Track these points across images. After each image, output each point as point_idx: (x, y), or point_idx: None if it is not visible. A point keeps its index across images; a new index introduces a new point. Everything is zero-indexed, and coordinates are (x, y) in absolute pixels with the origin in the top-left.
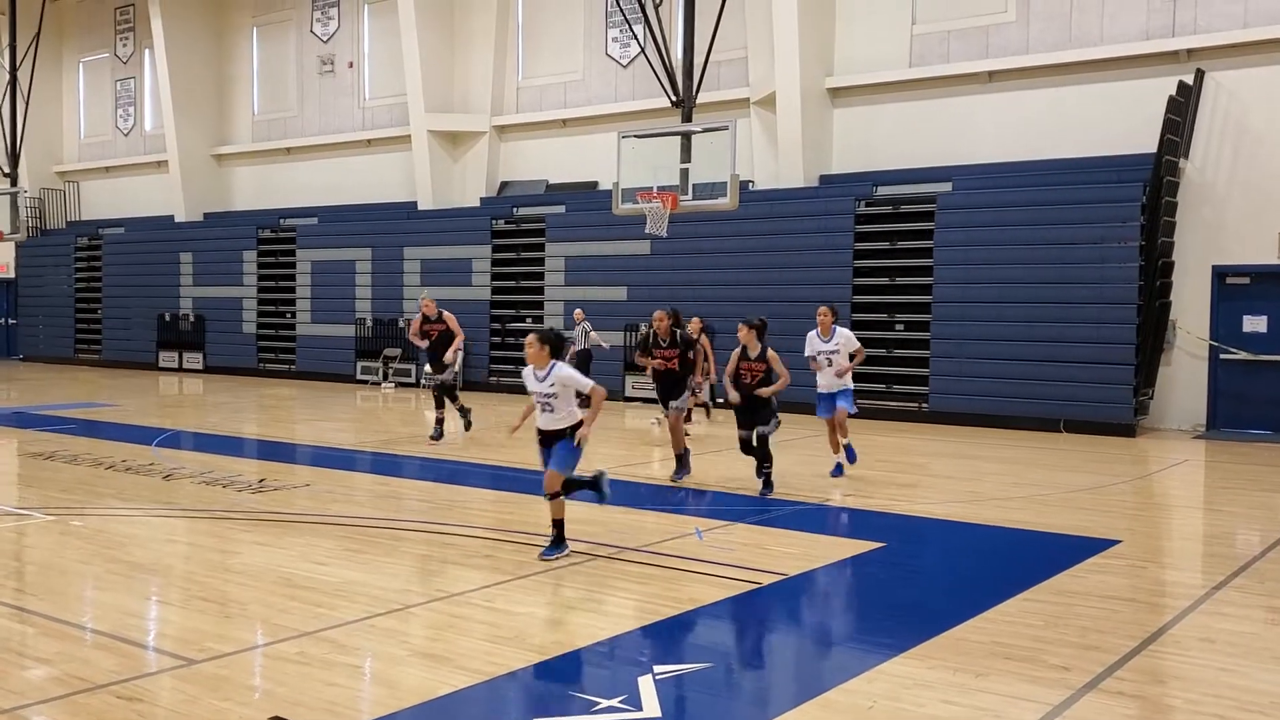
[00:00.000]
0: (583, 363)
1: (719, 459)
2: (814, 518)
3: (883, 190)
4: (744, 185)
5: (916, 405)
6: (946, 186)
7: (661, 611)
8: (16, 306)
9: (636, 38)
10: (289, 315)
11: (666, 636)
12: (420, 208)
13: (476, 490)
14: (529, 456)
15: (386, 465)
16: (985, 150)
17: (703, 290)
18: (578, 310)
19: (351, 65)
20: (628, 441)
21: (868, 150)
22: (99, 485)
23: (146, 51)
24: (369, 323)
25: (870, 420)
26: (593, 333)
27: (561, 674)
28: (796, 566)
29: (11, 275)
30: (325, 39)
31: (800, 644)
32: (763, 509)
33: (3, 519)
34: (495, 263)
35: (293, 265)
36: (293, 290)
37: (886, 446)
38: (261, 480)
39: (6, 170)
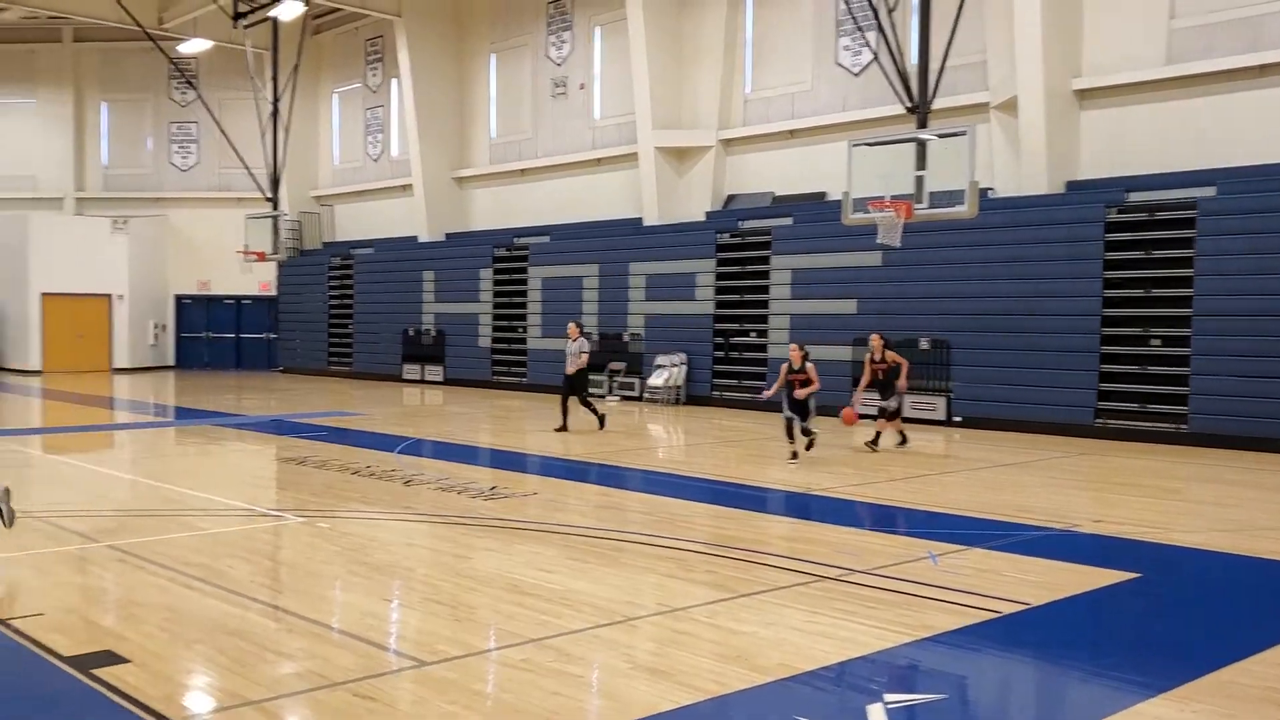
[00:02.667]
0: (581, 375)
1: (953, 481)
2: (1057, 544)
3: (1136, 196)
4: (983, 193)
5: (1174, 426)
6: (1209, 191)
7: (893, 637)
8: (277, 322)
9: (869, 45)
10: (520, 330)
11: (899, 664)
12: (646, 223)
13: (697, 504)
14: (750, 471)
15: (610, 477)
16: (1253, 151)
17: (939, 303)
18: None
19: (583, 87)
20: (853, 460)
21: (1119, 154)
22: (345, 490)
23: (394, 81)
24: (595, 337)
25: (1123, 441)
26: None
27: (787, 697)
28: (1039, 596)
29: (273, 293)
30: (559, 62)
31: (1044, 679)
32: (1003, 534)
33: (260, 520)
34: (719, 276)
35: (525, 282)
36: (524, 306)
37: (1139, 469)
38: (493, 487)
39: (269, 195)
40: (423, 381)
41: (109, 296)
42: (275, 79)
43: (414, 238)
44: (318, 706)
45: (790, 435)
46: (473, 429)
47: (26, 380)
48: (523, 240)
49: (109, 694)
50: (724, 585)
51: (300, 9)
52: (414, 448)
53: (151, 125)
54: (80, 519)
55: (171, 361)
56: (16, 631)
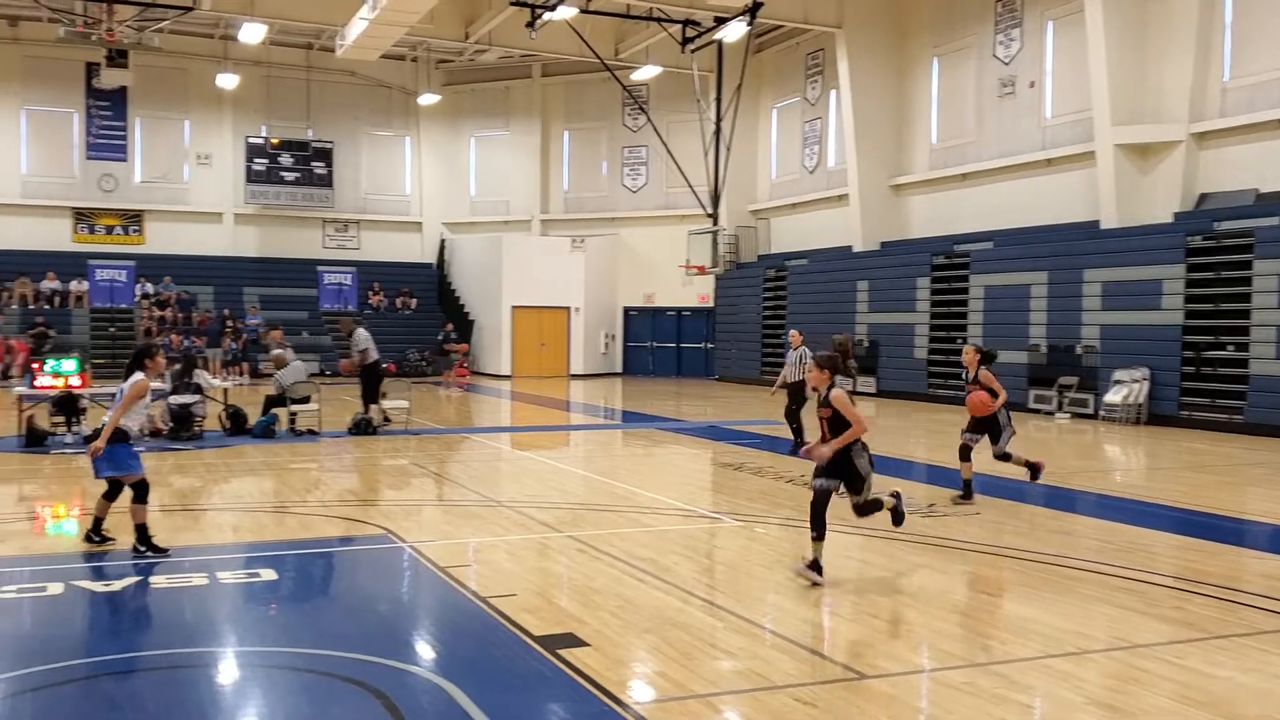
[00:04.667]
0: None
1: None
2: None
3: None
4: None
5: None
6: None
7: None
8: (714, 332)
9: None
10: (960, 341)
11: None
12: (1103, 226)
13: (1160, 533)
14: (1226, 500)
15: (1060, 499)
16: None
17: None
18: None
19: (1033, 85)
20: None
21: None
22: (779, 497)
23: (832, 93)
24: (1043, 349)
25: None
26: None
27: None
28: None
29: (711, 304)
30: (1006, 61)
31: None
32: None
33: (699, 520)
34: (1190, 284)
35: (965, 291)
36: (964, 316)
37: None
38: (931, 505)
39: (710, 211)
40: (854, 393)
41: (568, 309)
42: (719, 99)
43: (848, 247)
44: (759, 707)
45: None
46: (906, 443)
47: (499, 384)
48: (963, 247)
49: (572, 674)
50: (1194, 624)
51: (744, 30)
52: None
53: (606, 150)
54: (545, 510)
55: (619, 369)
56: (494, 609)
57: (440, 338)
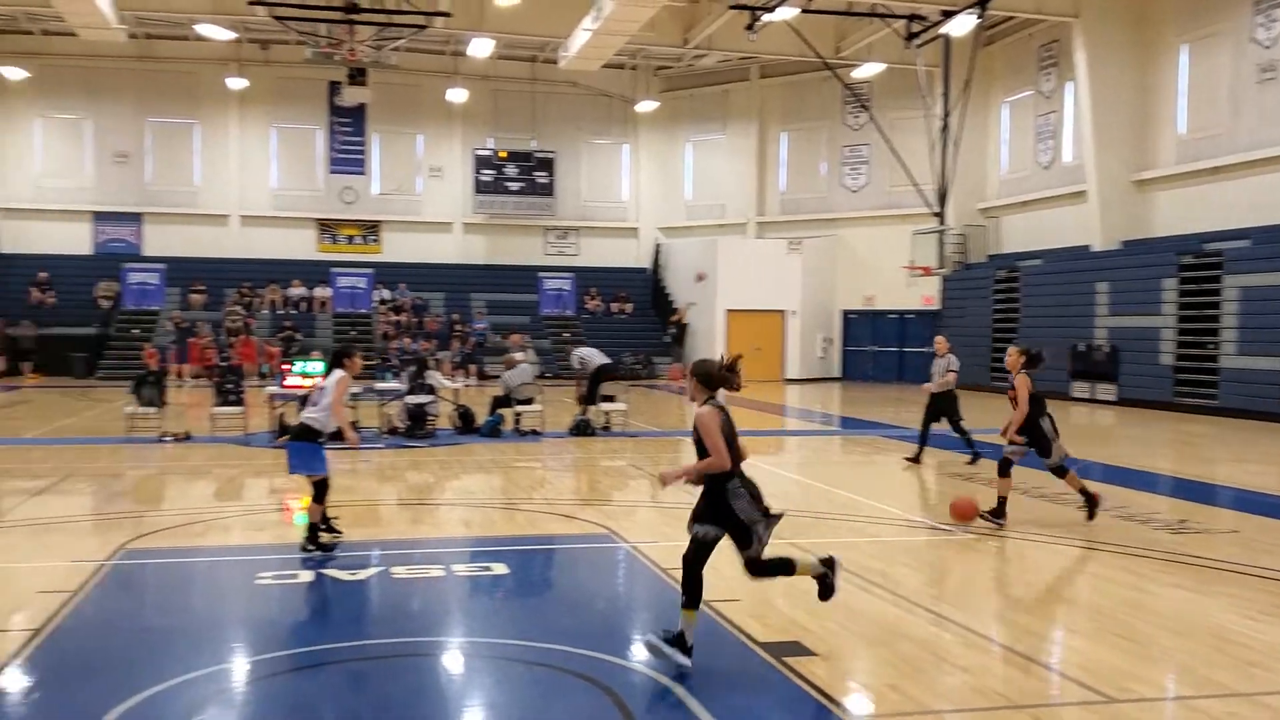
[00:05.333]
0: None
1: None
2: None
3: None
4: None
5: None
6: None
7: None
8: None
9: None
10: (1210, 346)
11: None
12: None
13: None
14: None
15: None
16: None
17: None
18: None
19: None
20: None
21: None
22: (1016, 510)
23: (1068, 85)
24: None
25: None
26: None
27: None
28: None
29: (937, 307)
30: (1267, 44)
31: None
32: None
33: (926, 532)
34: None
35: (1217, 292)
36: (1216, 319)
37: None
38: (1182, 521)
39: (936, 210)
40: (1092, 400)
41: (783, 312)
42: (946, 94)
43: (1086, 247)
44: None
45: None
46: (1152, 454)
47: None
48: (1215, 245)
49: (801, 683)
50: None
51: (973, 23)
52: (1083, 471)
53: (825, 150)
54: None
55: (837, 373)
56: (718, 613)
57: (673, 331)
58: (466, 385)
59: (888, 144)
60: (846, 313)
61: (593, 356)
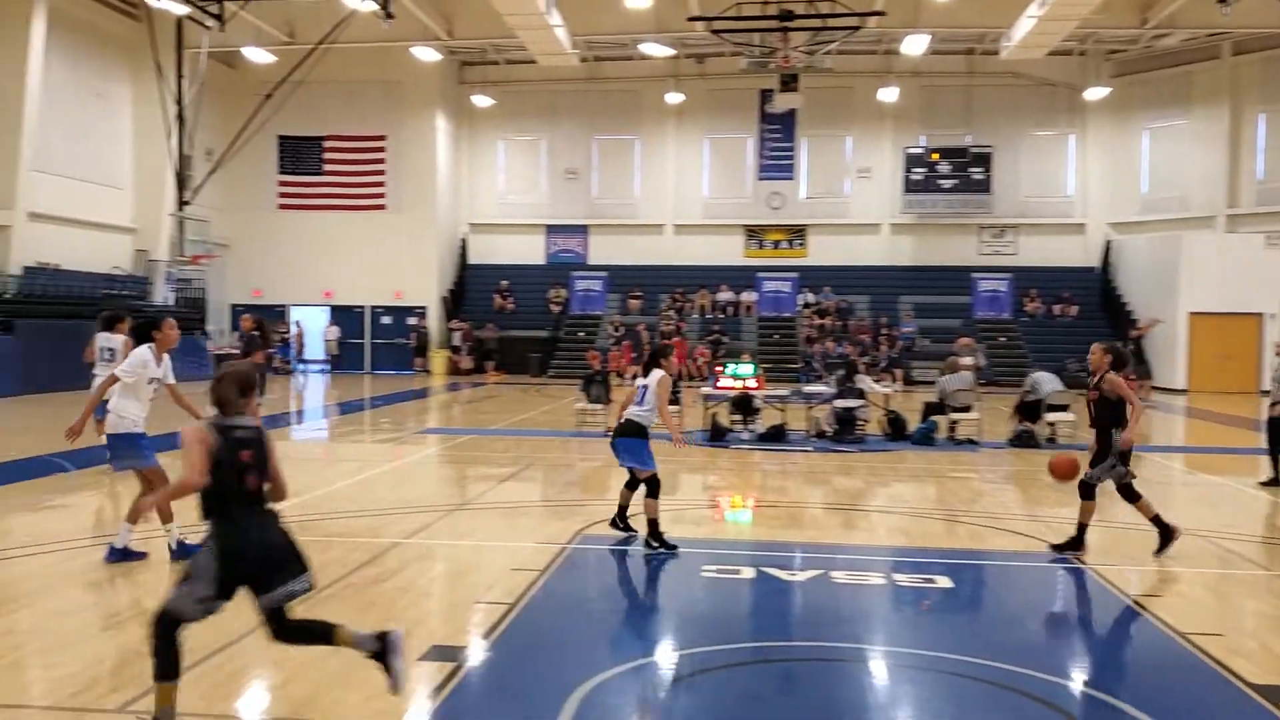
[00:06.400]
0: None
1: None
2: None
3: None
4: None
5: None
6: None
7: None
8: None
9: None
10: None
11: None
12: None
13: None
14: None
15: None
16: None
17: None
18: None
19: None
20: None
21: None
22: None
23: None
24: None
25: None
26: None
27: None
28: None
29: None
30: None
31: None
32: None
33: None
34: None
35: None
36: None
37: None
38: None
39: None
40: None
41: (1259, 315)
42: None
43: None
44: None
45: None
46: None
47: (1171, 399)
48: None
49: None
50: None
51: None
52: None
53: None
54: (1240, 542)
55: None
56: (1196, 647)
57: (1134, 336)
58: (894, 390)
59: None
60: None
61: (1045, 382)
